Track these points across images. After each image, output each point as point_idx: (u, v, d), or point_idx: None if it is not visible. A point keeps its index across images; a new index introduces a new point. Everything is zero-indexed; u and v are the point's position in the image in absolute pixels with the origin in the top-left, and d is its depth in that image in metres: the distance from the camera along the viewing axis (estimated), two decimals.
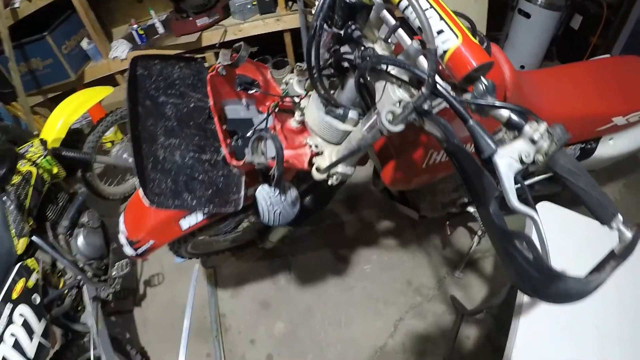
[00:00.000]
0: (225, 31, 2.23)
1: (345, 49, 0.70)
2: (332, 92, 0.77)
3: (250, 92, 0.89)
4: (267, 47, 2.42)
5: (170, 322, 1.62)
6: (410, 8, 0.52)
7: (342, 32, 0.64)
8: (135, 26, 2.19)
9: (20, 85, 1.84)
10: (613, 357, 0.78)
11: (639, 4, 2.17)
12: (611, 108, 1.08)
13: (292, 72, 0.90)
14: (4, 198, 1.14)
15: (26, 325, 1.03)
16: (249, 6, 2.24)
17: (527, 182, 1.22)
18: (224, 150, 0.73)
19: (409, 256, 1.71)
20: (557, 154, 0.44)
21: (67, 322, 1.29)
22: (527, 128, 0.46)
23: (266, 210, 0.73)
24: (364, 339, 1.51)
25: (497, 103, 0.48)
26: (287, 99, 0.88)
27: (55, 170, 1.37)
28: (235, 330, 1.57)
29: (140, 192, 0.70)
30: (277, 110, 0.87)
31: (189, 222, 0.93)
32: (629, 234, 0.46)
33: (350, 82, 0.71)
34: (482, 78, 0.50)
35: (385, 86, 0.60)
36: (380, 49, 0.64)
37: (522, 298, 0.83)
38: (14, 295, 1.05)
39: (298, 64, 0.84)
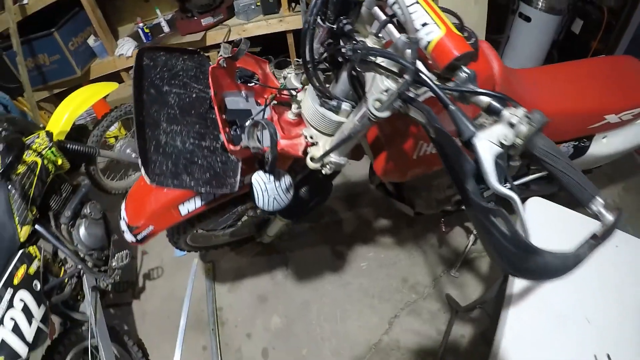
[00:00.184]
0: (229, 31, 2.27)
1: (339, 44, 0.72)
2: (327, 85, 0.80)
3: (250, 84, 0.92)
4: (270, 47, 2.46)
5: (168, 315, 1.64)
6: (397, 4, 0.55)
7: (334, 26, 0.67)
8: (141, 24, 2.23)
9: (27, 80, 1.88)
10: (604, 349, 0.79)
11: None
12: (604, 106, 1.09)
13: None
14: (9, 186, 1.16)
15: (26, 310, 1.06)
16: (252, 7, 2.28)
17: (522, 181, 1.24)
18: (223, 137, 0.76)
19: (405, 254, 1.72)
20: (535, 137, 0.46)
21: (66, 311, 1.31)
22: (506, 113, 0.48)
23: (261, 194, 0.75)
24: (359, 334, 1.52)
25: (477, 89, 0.51)
26: (285, 92, 0.91)
27: (59, 161, 1.40)
28: (232, 323, 1.59)
29: (142, 171, 0.74)
30: (274, 102, 0.90)
31: (187, 207, 0.96)
32: (609, 217, 0.47)
33: (344, 75, 0.74)
34: (463, 67, 0.52)
35: (374, 77, 0.63)
36: (371, 43, 0.68)
37: (512, 289, 0.84)
38: (15, 281, 1.07)
39: (296, 59, 0.87)
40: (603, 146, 1.18)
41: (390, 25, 0.63)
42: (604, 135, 1.17)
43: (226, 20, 2.32)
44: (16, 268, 1.10)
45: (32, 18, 1.87)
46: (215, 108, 0.79)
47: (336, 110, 0.77)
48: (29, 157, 1.29)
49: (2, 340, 0.98)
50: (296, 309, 1.59)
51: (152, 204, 0.97)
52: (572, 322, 0.84)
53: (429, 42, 0.54)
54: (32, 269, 1.14)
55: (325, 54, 0.75)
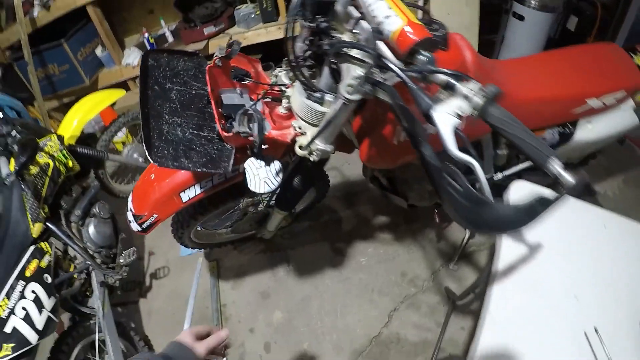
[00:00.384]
0: (231, 39, 2.35)
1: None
2: (313, 80, 0.87)
3: (244, 82, 0.99)
4: (271, 54, 2.53)
5: (173, 312, 1.69)
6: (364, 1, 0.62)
7: (314, 25, 0.74)
8: (146, 35, 2.33)
9: (39, 89, 1.98)
10: (593, 325, 0.79)
11: (635, 4, 2.20)
12: (585, 90, 1.12)
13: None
14: (23, 186, 1.24)
15: (37, 300, 1.12)
16: (252, 15, 2.36)
17: (512, 170, 1.26)
18: (218, 126, 0.84)
19: (404, 249, 1.75)
20: (489, 107, 0.51)
21: (75, 305, 1.37)
22: (460, 86, 0.53)
23: (252, 177, 0.82)
24: (359, 328, 1.55)
25: (433, 68, 0.56)
26: (276, 88, 0.97)
27: (70, 163, 1.48)
28: (235, 319, 1.63)
29: (147, 153, 0.84)
30: (266, 97, 0.96)
31: (188, 194, 1.04)
32: (568, 177, 0.49)
33: (326, 69, 0.81)
34: (421, 51, 0.58)
35: (348, 67, 0.70)
36: (347, 38, 0.75)
37: (498, 266, 0.86)
38: (28, 274, 1.14)
39: (285, 58, 0.94)
40: (589, 132, 1.21)
41: (363, 22, 0.70)
42: (588, 121, 1.19)
43: (227, 29, 2.41)
44: (28, 262, 1.16)
45: (42, 30, 1.98)
46: (212, 101, 0.86)
47: (320, 101, 0.84)
48: (41, 158, 1.36)
49: (14, 327, 1.04)
50: (297, 305, 1.63)
51: (156, 193, 1.05)
52: (559, 299, 0.85)
53: (391, 32, 0.60)
54: (44, 263, 1.20)
55: (308, 51, 0.82)
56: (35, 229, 1.23)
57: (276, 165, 0.83)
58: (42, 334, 1.09)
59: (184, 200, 1.04)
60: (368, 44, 0.65)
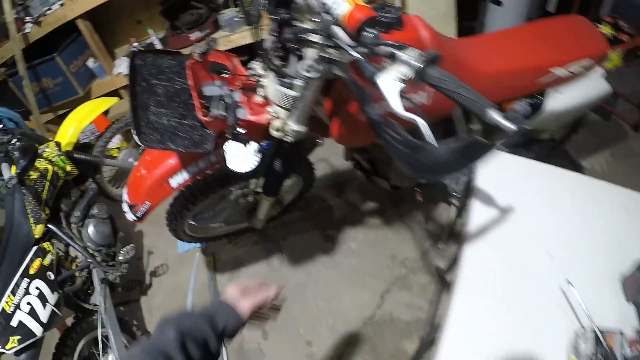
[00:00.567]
0: (216, 43, 2.42)
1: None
2: (284, 69, 0.95)
3: (222, 75, 1.06)
4: (257, 55, 2.61)
5: (173, 307, 1.75)
6: None
7: (277, 17, 0.82)
8: (136, 44, 2.40)
9: (35, 103, 2.05)
10: (563, 280, 0.81)
11: None
12: (549, 59, 1.16)
13: None
14: (24, 190, 1.30)
15: (41, 296, 1.18)
16: (236, 19, 2.43)
17: None
18: (198, 112, 0.93)
19: (393, 233, 1.81)
20: (428, 70, 0.57)
21: (78, 301, 1.43)
22: (400, 54, 0.60)
23: (231, 157, 0.90)
24: (353, 310, 1.61)
25: (378, 41, 0.63)
26: (252, 79, 1.04)
27: (68, 168, 1.55)
28: None
29: (136, 138, 0.94)
30: (244, 87, 1.04)
31: (177, 180, 1.13)
32: (508, 124, 0.52)
33: (293, 57, 0.88)
34: (367, 29, 0.65)
35: (308, 51, 0.78)
36: (308, 27, 0.82)
37: (470, 227, 0.91)
38: (31, 272, 1.20)
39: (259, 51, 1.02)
40: (559, 101, 1.25)
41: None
42: (558, 90, 1.24)
43: (213, 34, 2.48)
44: (32, 261, 1.23)
45: (34, 45, 2.05)
46: (193, 92, 0.94)
47: (290, 86, 0.92)
48: (40, 164, 1.43)
49: (20, 321, 1.11)
50: (292, 291, 1.68)
51: (147, 182, 1.14)
52: (532, 257, 0.88)
53: (341, 15, 0.68)
54: (47, 261, 1.27)
55: (276, 42, 0.90)
56: (37, 230, 1.30)
57: (252, 145, 0.91)
58: (46, 327, 1.15)
59: (172, 186, 1.12)
60: (323, 29, 0.72)
